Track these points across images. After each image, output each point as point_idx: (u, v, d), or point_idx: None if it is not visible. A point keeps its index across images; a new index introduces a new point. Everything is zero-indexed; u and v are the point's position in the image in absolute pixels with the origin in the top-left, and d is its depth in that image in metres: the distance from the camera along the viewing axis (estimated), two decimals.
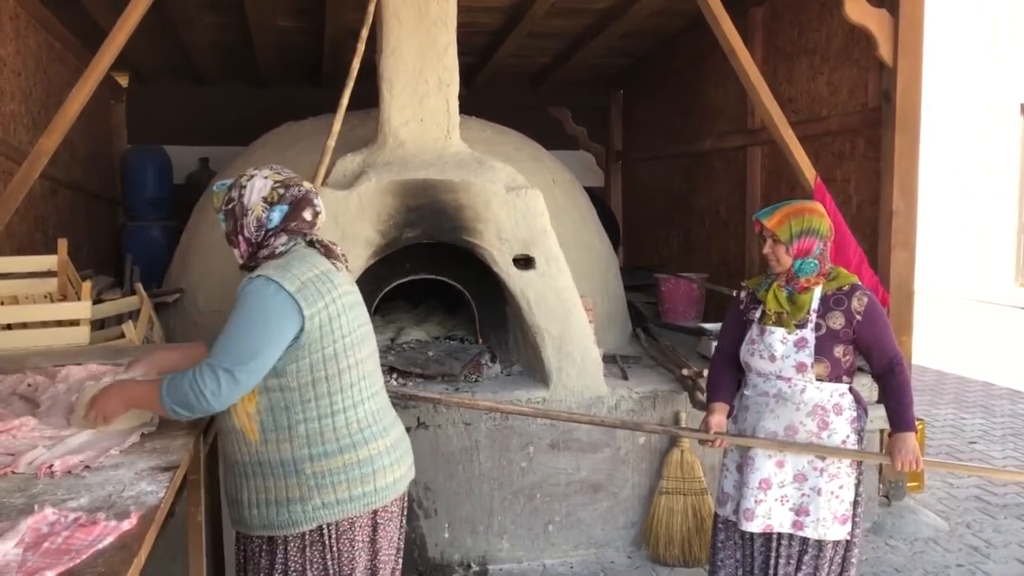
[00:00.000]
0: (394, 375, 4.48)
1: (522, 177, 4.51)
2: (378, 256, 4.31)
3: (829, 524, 3.00)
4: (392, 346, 4.94)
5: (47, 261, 4.39)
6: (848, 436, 3.04)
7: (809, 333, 2.98)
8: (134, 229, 7.53)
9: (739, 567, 3.20)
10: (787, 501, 3.05)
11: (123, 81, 8.32)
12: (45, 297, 4.32)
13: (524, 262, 4.36)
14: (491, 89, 8.49)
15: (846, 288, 3.01)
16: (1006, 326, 11.13)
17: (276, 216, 2.32)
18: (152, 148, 7.88)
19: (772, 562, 3.09)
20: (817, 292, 3.01)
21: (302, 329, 2.22)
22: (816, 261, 3.00)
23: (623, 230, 8.98)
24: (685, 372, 4.48)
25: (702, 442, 3.24)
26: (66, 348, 3.85)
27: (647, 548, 4.38)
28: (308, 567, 2.33)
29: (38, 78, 5.70)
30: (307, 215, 2.36)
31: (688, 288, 6.33)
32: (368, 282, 4.61)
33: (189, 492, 2.58)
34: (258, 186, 2.35)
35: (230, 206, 2.35)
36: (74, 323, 4.05)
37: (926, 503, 4.97)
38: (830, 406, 3.02)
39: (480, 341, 4.94)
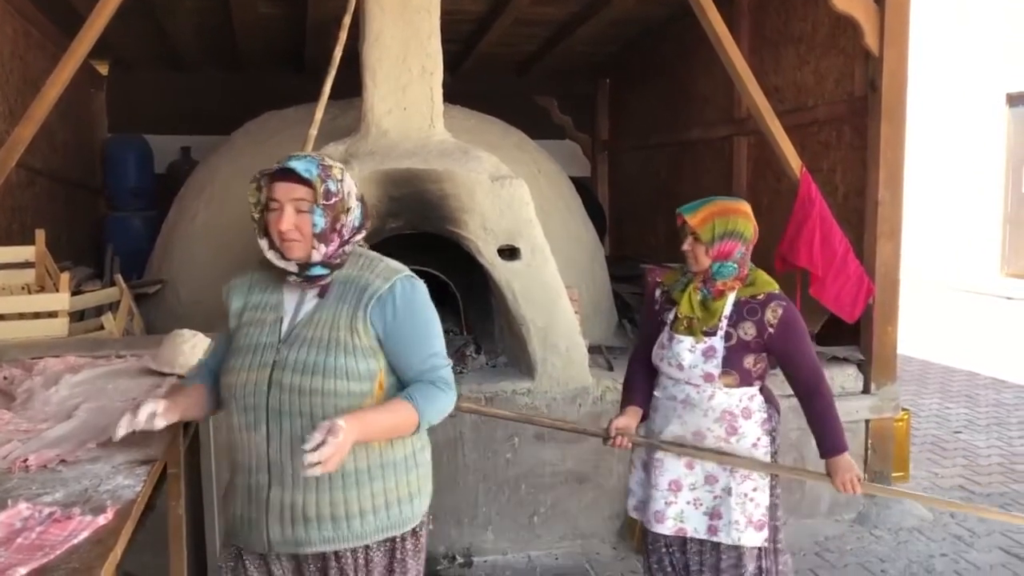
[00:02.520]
0: None
1: (507, 167, 4.47)
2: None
3: (743, 528, 2.87)
4: None
5: (24, 252, 4.33)
6: (759, 438, 2.89)
7: (718, 342, 2.84)
8: (115, 219, 7.44)
9: (672, 571, 3.07)
10: (701, 504, 2.94)
11: (103, 69, 8.21)
12: (23, 288, 4.26)
13: (509, 253, 4.32)
14: (477, 78, 8.42)
15: (761, 297, 2.84)
16: (991, 315, 11.19)
17: (360, 213, 2.18)
18: (133, 137, 7.79)
19: (694, 569, 3.00)
20: (731, 298, 2.86)
21: None
22: (735, 265, 2.84)
23: (609, 220, 8.95)
24: None
25: (604, 441, 3.07)
26: (44, 340, 3.79)
27: (632, 539, 4.37)
28: (414, 560, 2.30)
29: (14, 65, 5.62)
30: (370, 212, 2.30)
31: None
32: None
33: (170, 486, 2.53)
34: (352, 179, 2.19)
35: (332, 201, 2.07)
36: (52, 315, 3.99)
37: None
38: (739, 411, 2.88)
39: (466, 332, 4.91)
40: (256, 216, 2.14)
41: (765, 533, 2.89)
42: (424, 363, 2.13)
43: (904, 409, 5.09)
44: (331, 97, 4.32)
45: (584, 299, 5.13)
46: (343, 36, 4.25)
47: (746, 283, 2.88)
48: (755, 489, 2.89)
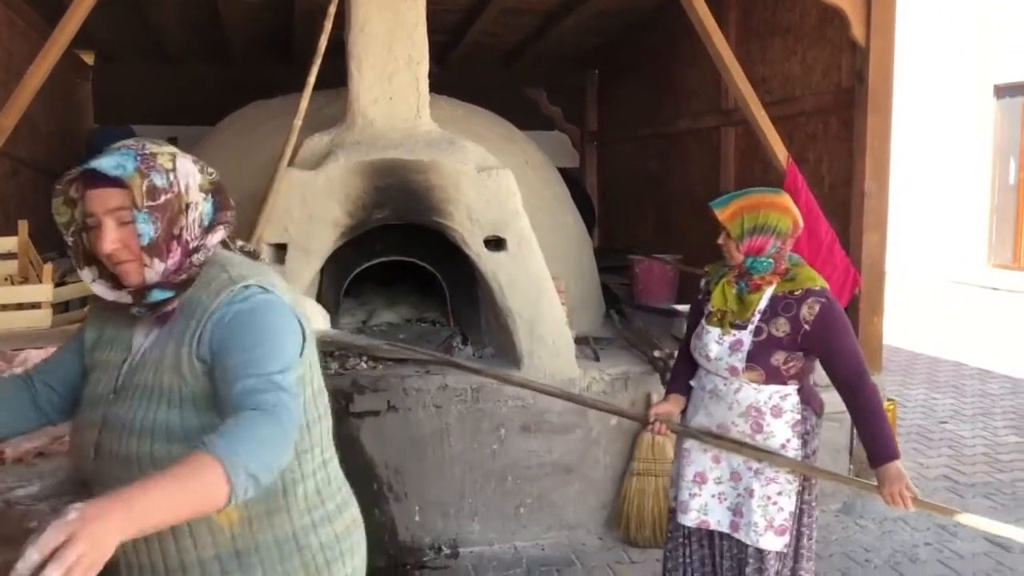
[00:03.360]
0: (364, 358, 4.43)
1: (494, 157, 4.47)
2: (347, 238, 4.25)
3: (762, 531, 2.80)
4: (363, 328, 4.88)
5: (7, 242, 4.30)
6: (788, 440, 2.80)
7: (747, 336, 2.77)
8: None
9: (687, 563, 3.05)
10: (725, 499, 2.92)
11: (89, 59, 8.15)
12: (6, 279, 4.23)
13: (495, 244, 4.32)
14: (465, 69, 8.40)
15: (799, 293, 2.73)
16: (978, 306, 11.24)
17: (210, 208, 1.68)
18: (119, 128, 7.71)
19: (715, 562, 2.97)
20: (768, 292, 2.78)
21: (302, 355, 1.63)
22: (771, 260, 2.76)
23: (599, 211, 8.94)
24: (657, 354, 4.47)
25: (644, 427, 3.12)
26: (27, 331, 3.77)
27: (619, 530, 4.38)
28: None
29: None
30: (231, 203, 1.74)
31: (662, 270, 6.32)
32: (337, 264, 4.57)
33: None
34: (189, 167, 1.65)
35: (160, 200, 1.58)
36: (36, 306, 3.97)
37: None
38: (767, 408, 2.79)
39: (452, 323, 4.90)
40: (70, 240, 1.65)
41: (786, 539, 2.81)
42: (245, 385, 1.47)
43: (890, 399, 5.10)
44: (318, 87, 4.30)
45: (571, 290, 5.12)
46: (328, 25, 4.23)
47: (786, 278, 2.79)
48: (780, 493, 2.81)
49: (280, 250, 4.16)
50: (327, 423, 1.76)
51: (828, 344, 2.73)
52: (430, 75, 4.54)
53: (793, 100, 5.42)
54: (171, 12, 6.65)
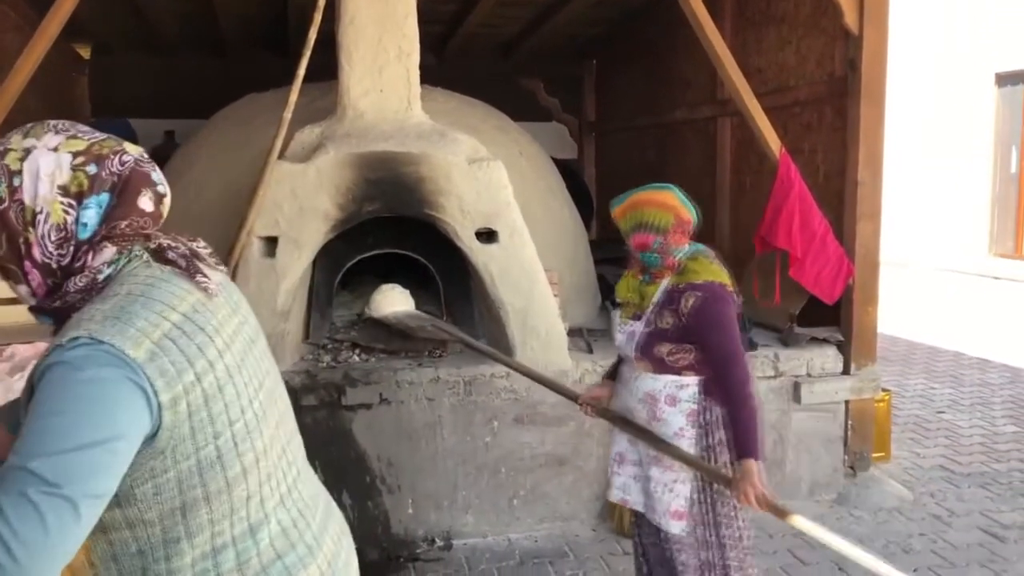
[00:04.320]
0: (356, 351, 4.43)
1: (485, 149, 4.45)
2: (337, 231, 4.24)
3: (662, 515, 2.90)
4: (356, 321, 4.88)
5: None
6: (683, 428, 2.85)
7: (639, 327, 2.90)
8: None
9: (638, 541, 3.19)
10: (638, 481, 3.03)
11: (85, 53, 8.14)
12: None
13: (487, 235, 4.31)
14: (462, 60, 8.37)
15: (683, 286, 2.84)
16: (979, 296, 11.20)
17: (92, 215, 1.33)
18: (116, 121, 7.75)
19: (647, 541, 3.10)
20: (664, 285, 2.89)
21: (159, 426, 1.26)
22: (656, 255, 2.87)
23: (597, 202, 8.92)
24: None
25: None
26: (20, 326, 3.78)
27: (612, 521, 4.38)
28: None
29: None
30: (146, 202, 1.37)
31: None
32: (330, 258, 4.56)
33: None
34: (45, 166, 1.31)
35: None
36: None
37: (891, 473, 5.00)
38: (662, 396, 2.89)
39: (446, 316, 4.89)
40: None
41: (683, 524, 2.88)
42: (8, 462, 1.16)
43: (885, 390, 5.09)
44: (312, 79, 4.29)
45: (566, 282, 5.12)
46: (318, 17, 4.21)
47: (678, 271, 2.88)
48: (675, 480, 2.89)
49: (271, 243, 4.15)
50: (241, 494, 1.37)
51: (702, 337, 2.80)
52: (427, 67, 4.53)
53: (788, 90, 5.40)
54: (165, 3, 6.64)
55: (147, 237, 1.39)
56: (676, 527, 2.90)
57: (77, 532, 1.16)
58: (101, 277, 1.32)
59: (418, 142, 4.27)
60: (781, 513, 2.64)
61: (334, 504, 1.67)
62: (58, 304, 1.31)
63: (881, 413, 4.98)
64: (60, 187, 1.31)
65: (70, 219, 1.31)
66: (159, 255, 1.38)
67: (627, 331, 2.94)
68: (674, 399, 2.88)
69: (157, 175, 1.41)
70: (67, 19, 4.11)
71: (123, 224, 1.35)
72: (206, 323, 1.34)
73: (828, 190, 4.95)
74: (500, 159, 4.41)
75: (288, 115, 4.12)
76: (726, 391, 2.78)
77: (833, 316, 4.86)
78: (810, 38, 5.19)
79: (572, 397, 3.28)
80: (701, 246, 2.96)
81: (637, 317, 2.92)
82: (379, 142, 4.22)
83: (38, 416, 1.17)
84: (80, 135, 1.36)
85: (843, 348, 4.75)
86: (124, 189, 1.35)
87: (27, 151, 1.31)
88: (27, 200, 1.29)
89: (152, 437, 1.25)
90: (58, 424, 1.16)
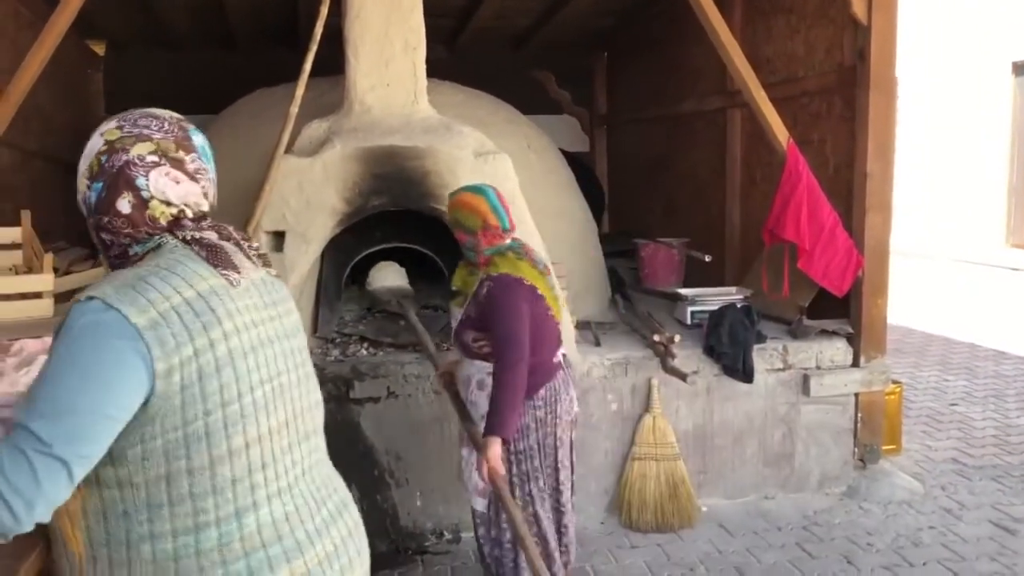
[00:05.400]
0: (364, 345, 4.45)
1: (491, 142, 4.45)
2: (344, 225, 4.26)
3: (471, 492, 3.27)
4: (365, 315, 4.90)
5: (10, 233, 4.34)
6: (486, 412, 3.09)
7: (458, 315, 3.22)
8: None
9: None
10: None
11: (99, 50, 8.19)
12: (10, 269, 4.27)
13: None
14: (473, 53, 8.36)
15: (485, 278, 3.13)
16: (995, 287, 11.10)
17: (93, 197, 1.50)
18: None
19: None
20: (480, 277, 3.16)
21: (152, 393, 1.35)
22: (471, 251, 3.20)
23: (608, 195, 8.90)
24: (656, 338, 4.45)
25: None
26: (30, 321, 3.81)
27: (620, 514, 4.38)
28: None
29: (5, 47, 5.60)
30: (123, 204, 1.48)
31: (668, 253, 6.28)
32: (339, 252, 4.58)
33: None
34: (90, 146, 1.51)
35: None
36: (37, 296, 4.01)
37: (902, 466, 4.97)
38: (474, 381, 3.21)
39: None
40: None
41: (485, 502, 3.24)
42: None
43: (896, 382, 5.06)
44: (322, 73, 4.30)
45: (575, 275, 5.11)
46: (324, 11, 4.23)
47: (488, 266, 3.16)
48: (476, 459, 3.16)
49: (278, 237, 4.18)
50: (225, 475, 1.42)
51: (490, 322, 3.07)
52: (437, 60, 4.53)
53: (796, 80, 5.35)
54: (176, 1, 6.67)
55: (169, 229, 1.50)
56: (479, 503, 3.27)
57: (68, 487, 1.29)
58: (131, 252, 1.50)
59: (424, 136, 4.27)
60: (503, 496, 2.91)
61: (351, 509, 1.69)
62: (110, 264, 1.52)
63: (892, 405, 4.95)
64: (87, 167, 1.49)
65: (88, 194, 1.50)
66: (188, 241, 1.50)
67: (455, 318, 3.26)
68: (482, 384, 3.18)
69: (145, 179, 1.48)
70: (76, 15, 4.14)
71: (104, 219, 1.49)
72: (219, 305, 1.43)
73: (837, 181, 4.91)
74: (507, 152, 4.40)
75: (294, 110, 4.14)
76: (500, 372, 3.01)
77: (843, 308, 4.83)
78: (819, 27, 5.15)
79: (435, 365, 3.61)
80: (515, 244, 3.23)
81: (462, 306, 3.22)
82: (385, 136, 4.23)
83: (45, 379, 1.31)
84: (136, 123, 1.51)
85: (853, 340, 4.72)
86: (109, 185, 1.48)
87: (98, 131, 1.52)
88: (79, 174, 1.52)
89: (145, 403, 1.35)
90: (60, 389, 1.29)
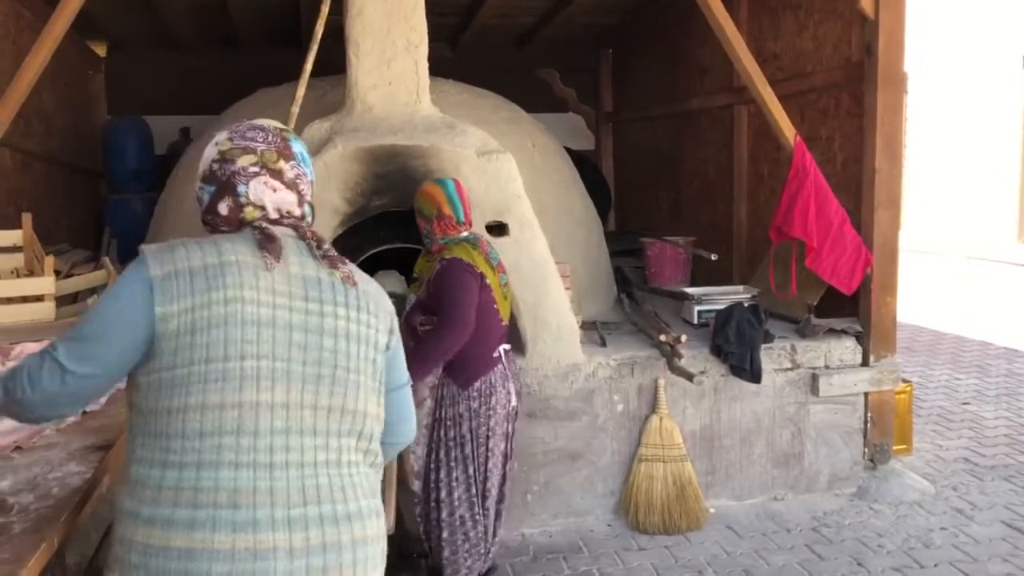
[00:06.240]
0: None
1: (495, 141, 4.40)
2: (346, 225, 4.22)
3: (414, 475, 3.46)
4: None
5: (12, 236, 4.32)
6: (425, 399, 3.33)
7: (413, 299, 3.41)
8: (116, 202, 7.41)
9: None
10: None
11: (101, 51, 8.17)
12: (12, 272, 4.25)
13: (497, 228, 4.26)
14: (477, 51, 8.31)
15: (437, 262, 3.33)
16: (1007, 284, 11.00)
17: (205, 197, 1.76)
18: (133, 119, 7.74)
19: None
20: (436, 265, 3.33)
21: (154, 333, 1.57)
22: (428, 238, 3.44)
23: (614, 193, 8.84)
24: (663, 338, 4.40)
25: None
26: (31, 324, 3.79)
27: (627, 516, 4.33)
28: None
29: (6, 48, 5.58)
30: (223, 207, 1.73)
31: (674, 252, 6.23)
32: (343, 252, 4.53)
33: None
34: (207, 153, 1.79)
35: None
36: (39, 299, 3.99)
37: (913, 466, 4.91)
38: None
39: None
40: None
41: (419, 484, 3.46)
42: None
43: (906, 381, 5.00)
44: (324, 73, 4.25)
45: (580, 274, 5.07)
46: (325, 10, 4.20)
47: (443, 254, 3.34)
48: (416, 443, 3.38)
49: None
50: (192, 426, 1.55)
51: (436, 300, 3.26)
52: (441, 59, 4.48)
53: (804, 76, 5.29)
54: (178, 1, 6.64)
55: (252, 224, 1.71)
56: (416, 485, 3.46)
57: (64, 390, 1.59)
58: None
59: (427, 135, 4.23)
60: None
61: (356, 526, 1.65)
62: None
63: (902, 405, 4.88)
64: (202, 172, 1.76)
65: (201, 196, 1.76)
66: (255, 229, 1.70)
67: (411, 304, 3.44)
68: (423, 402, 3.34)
69: (245, 187, 1.72)
70: (77, 16, 4.11)
71: (208, 216, 1.74)
72: (233, 275, 1.60)
73: (846, 178, 4.86)
74: (511, 151, 4.36)
75: (296, 110, 4.10)
76: (426, 338, 3.23)
77: (851, 307, 4.77)
78: (826, 23, 5.08)
79: None
80: (471, 236, 3.41)
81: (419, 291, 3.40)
82: (387, 135, 4.19)
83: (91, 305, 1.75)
84: (245, 135, 1.76)
85: (862, 339, 4.66)
86: (218, 190, 1.73)
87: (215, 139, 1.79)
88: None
89: (152, 342, 1.57)
90: (85, 316, 1.65)
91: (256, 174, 1.72)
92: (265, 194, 1.72)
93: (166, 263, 1.59)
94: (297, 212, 1.77)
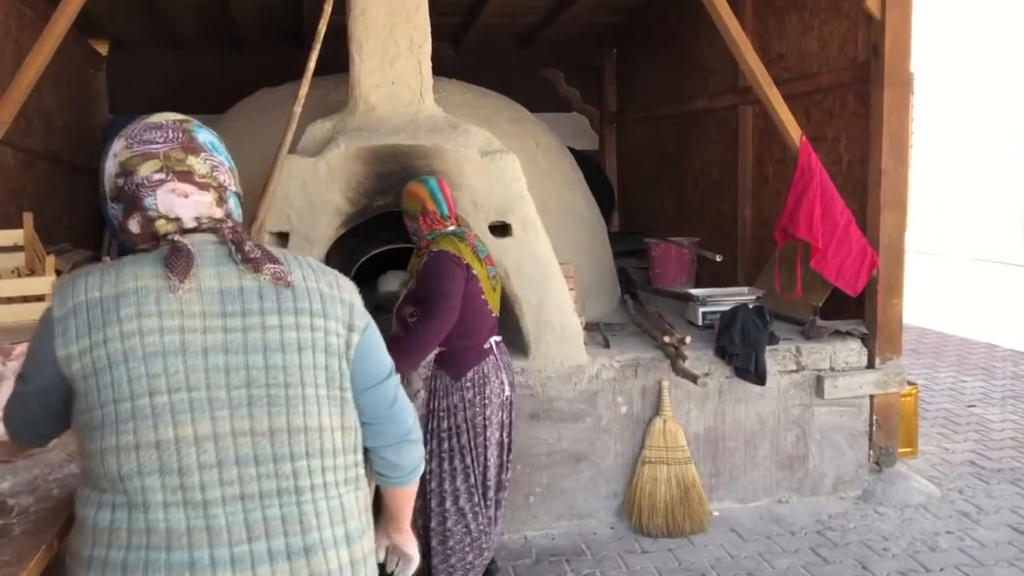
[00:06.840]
0: None
1: (498, 141, 4.38)
2: (348, 225, 4.19)
3: None
4: (373, 316, 4.83)
5: (13, 235, 4.30)
6: (419, 391, 3.37)
7: (402, 294, 3.46)
8: None
9: None
10: None
11: (103, 49, 8.16)
12: (13, 272, 4.23)
13: (500, 229, 4.24)
14: (481, 51, 8.29)
15: (424, 255, 3.38)
16: (1013, 286, 10.96)
17: (120, 218, 1.58)
18: (134, 118, 7.71)
19: None
20: (424, 260, 3.37)
21: (64, 375, 1.47)
22: (415, 236, 3.51)
23: (618, 194, 8.82)
24: (667, 339, 4.37)
25: None
26: (32, 324, 3.77)
27: (630, 518, 4.31)
28: None
29: (7, 47, 5.57)
30: (133, 224, 1.55)
31: (679, 252, 6.20)
32: (345, 252, 4.51)
33: None
34: (108, 170, 1.58)
35: None
36: (40, 298, 3.97)
37: (919, 469, 4.88)
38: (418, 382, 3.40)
39: None
40: None
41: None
42: None
43: (912, 383, 4.97)
44: (328, 71, 4.22)
45: (583, 275, 5.04)
46: (327, 9, 4.16)
47: (430, 249, 3.38)
48: None
49: (282, 238, 4.12)
50: (111, 467, 1.44)
51: (422, 291, 3.29)
52: (445, 58, 4.46)
53: (810, 76, 5.26)
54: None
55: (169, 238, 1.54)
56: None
57: (31, 420, 1.62)
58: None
59: (430, 135, 4.20)
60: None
61: (316, 559, 1.50)
62: None
63: (908, 407, 4.85)
64: (108, 189, 1.58)
65: (115, 214, 1.58)
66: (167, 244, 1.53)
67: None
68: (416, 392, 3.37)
69: (153, 199, 1.53)
70: (78, 15, 4.10)
71: (123, 236, 1.57)
72: (128, 306, 1.45)
73: (851, 178, 4.83)
74: (515, 151, 4.34)
75: (298, 109, 4.07)
76: (409, 332, 3.26)
77: (857, 308, 4.74)
78: (832, 23, 5.05)
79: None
80: (458, 230, 3.47)
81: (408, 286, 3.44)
82: (390, 135, 4.17)
83: None
84: (144, 134, 1.54)
85: (867, 341, 4.63)
86: (126, 208, 1.55)
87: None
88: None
89: (69, 380, 1.48)
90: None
91: (162, 181, 1.52)
92: (175, 203, 1.53)
93: (67, 299, 1.47)
94: (218, 214, 1.58)
